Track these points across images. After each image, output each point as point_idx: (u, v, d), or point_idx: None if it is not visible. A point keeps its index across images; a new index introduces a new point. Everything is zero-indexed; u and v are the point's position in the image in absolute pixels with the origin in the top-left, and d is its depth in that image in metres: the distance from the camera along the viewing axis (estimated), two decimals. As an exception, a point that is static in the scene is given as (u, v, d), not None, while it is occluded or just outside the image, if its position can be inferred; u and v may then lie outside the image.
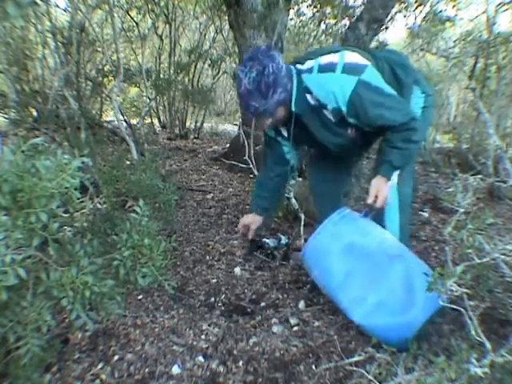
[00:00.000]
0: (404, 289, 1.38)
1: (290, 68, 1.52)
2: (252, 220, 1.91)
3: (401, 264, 1.41)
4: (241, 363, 1.35)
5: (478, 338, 1.00)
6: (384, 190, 1.51)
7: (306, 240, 2.27)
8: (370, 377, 1.04)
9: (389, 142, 1.50)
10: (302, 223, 2.26)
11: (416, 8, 4.44)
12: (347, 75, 1.44)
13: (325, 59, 1.49)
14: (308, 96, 1.52)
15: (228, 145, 4.88)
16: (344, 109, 1.47)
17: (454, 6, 4.63)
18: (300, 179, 2.72)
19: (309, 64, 1.51)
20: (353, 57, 1.49)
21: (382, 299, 1.38)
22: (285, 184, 2.04)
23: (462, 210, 1.22)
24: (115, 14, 2.99)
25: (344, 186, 2.01)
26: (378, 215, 1.59)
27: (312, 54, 1.59)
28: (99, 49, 4.08)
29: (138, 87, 5.03)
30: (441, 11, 4.33)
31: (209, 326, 1.55)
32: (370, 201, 1.51)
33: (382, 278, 1.40)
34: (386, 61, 1.60)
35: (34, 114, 3.32)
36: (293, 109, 1.54)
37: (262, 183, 1.92)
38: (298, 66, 1.54)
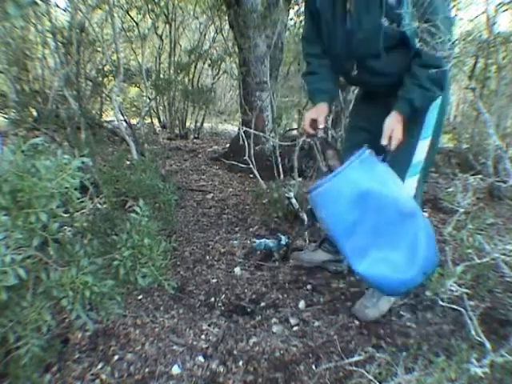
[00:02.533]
0: (409, 248, 1.37)
1: None
2: (318, 111, 1.66)
3: (412, 224, 1.38)
4: (241, 363, 1.35)
5: (477, 338, 1.00)
6: (399, 129, 1.41)
7: (308, 241, 2.28)
8: (370, 377, 1.04)
9: (414, 78, 1.38)
10: (305, 223, 2.27)
11: (416, 8, 4.44)
12: None
13: None
14: None
15: (228, 145, 4.88)
16: None
17: (454, 6, 4.63)
18: (300, 179, 2.73)
19: None
20: None
21: (387, 255, 1.37)
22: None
23: (462, 210, 1.22)
24: (115, 14, 3.00)
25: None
26: (399, 164, 1.51)
27: None
28: (99, 49, 4.08)
29: (138, 87, 5.02)
30: (441, 11, 4.33)
31: (209, 326, 1.55)
32: (384, 142, 1.42)
33: (391, 235, 1.39)
34: None
35: (34, 114, 3.32)
36: None
37: (314, 72, 1.70)
38: None
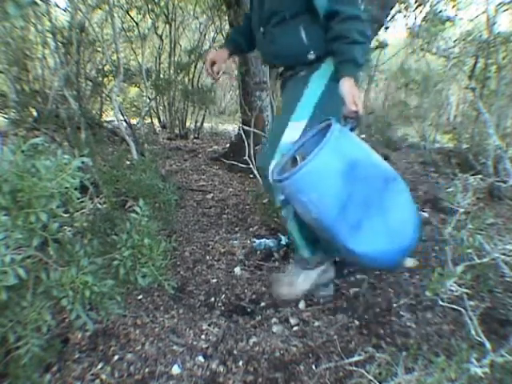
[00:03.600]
0: (399, 212, 1.34)
1: None
2: (217, 54, 1.78)
3: (397, 188, 1.36)
4: (241, 363, 1.35)
5: (478, 338, 1.00)
6: (357, 92, 1.37)
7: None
8: (370, 377, 1.04)
9: (345, 38, 1.35)
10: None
11: (416, 8, 4.44)
12: None
13: None
14: None
15: (228, 145, 4.88)
16: None
17: (453, 6, 4.62)
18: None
19: None
20: None
21: (379, 224, 1.31)
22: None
23: (461, 210, 1.22)
24: (115, 14, 2.99)
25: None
26: (270, 142, 1.51)
27: None
28: (99, 49, 4.08)
29: (138, 87, 5.02)
30: (441, 11, 4.33)
31: (209, 325, 1.55)
32: (353, 108, 1.34)
33: (380, 202, 1.32)
34: None
35: (34, 114, 3.32)
36: None
37: (236, 27, 1.96)
38: None
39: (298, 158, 1.43)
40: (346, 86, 1.36)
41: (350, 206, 1.28)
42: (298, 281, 1.62)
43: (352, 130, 1.38)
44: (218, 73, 1.80)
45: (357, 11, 1.34)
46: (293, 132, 1.47)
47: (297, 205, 1.36)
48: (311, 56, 1.48)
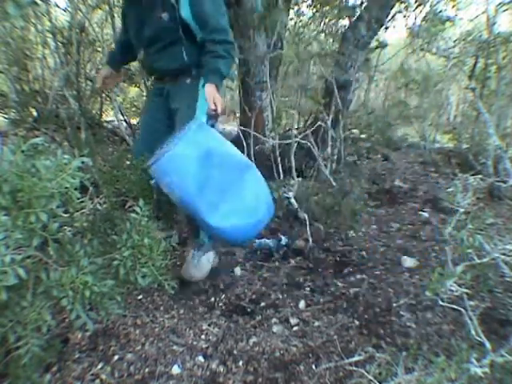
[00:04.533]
0: (252, 196, 1.63)
1: None
2: (104, 72, 2.06)
3: (251, 175, 1.65)
4: (241, 363, 1.35)
5: (478, 338, 1.00)
6: (219, 96, 1.71)
7: (306, 240, 2.29)
8: (370, 377, 1.04)
9: (212, 53, 1.68)
10: (308, 223, 2.27)
11: (416, 8, 4.43)
12: None
13: None
14: None
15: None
16: None
17: (453, 6, 4.62)
18: (300, 179, 2.73)
19: None
20: None
21: (234, 206, 1.57)
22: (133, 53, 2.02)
23: (462, 210, 1.22)
24: (115, 14, 2.99)
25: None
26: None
27: None
28: (99, 49, 4.07)
29: (138, 87, 5.01)
30: (441, 11, 4.33)
31: (209, 325, 1.55)
32: (213, 107, 1.67)
33: (235, 187, 1.59)
34: None
35: (34, 114, 3.32)
36: None
37: (117, 45, 2.09)
38: None
39: None
40: (211, 90, 1.68)
41: (208, 187, 1.54)
42: (203, 262, 1.88)
43: (213, 126, 1.72)
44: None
45: (224, 37, 1.68)
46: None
47: (163, 186, 1.58)
48: (193, 70, 1.79)
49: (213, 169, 1.56)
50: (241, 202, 1.60)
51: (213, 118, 1.71)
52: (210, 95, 1.68)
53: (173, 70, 1.81)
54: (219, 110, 1.70)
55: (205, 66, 1.72)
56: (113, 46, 3.30)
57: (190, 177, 1.52)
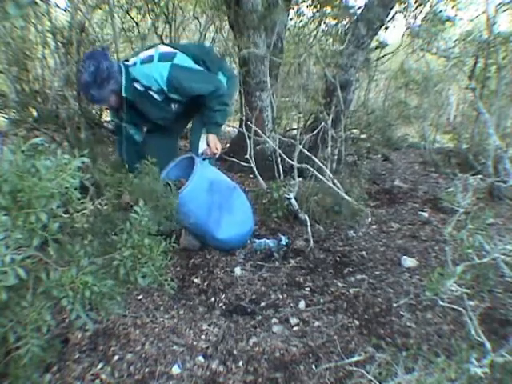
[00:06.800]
0: (242, 209, 2.18)
1: (120, 65, 1.95)
2: None
3: (236, 193, 2.18)
4: (241, 363, 1.35)
5: (478, 338, 1.00)
6: (219, 143, 2.19)
7: (306, 240, 2.29)
8: (370, 377, 1.04)
9: (210, 109, 2.06)
10: (309, 224, 2.27)
11: (416, 8, 4.44)
12: (163, 62, 1.93)
13: (144, 54, 1.98)
14: (136, 84, 1.97)
15: (228, 145, 4.88)
16: (165, 88, 1.95)
17: (453, 6, 4.63)
18: (300, 179, 2.73)
19: (133, 60, 1.98)
20: (165, 48, 2.02)
21: (231, 219, 2.07)
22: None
23: (462, 210, 1.22)
24: (115, 14, 2.99)
25: (175, 148, 2.49)
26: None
27: (135, 53, 2.06)
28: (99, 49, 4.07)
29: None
30: (441, 11, 4.33)
31: (209, 326, 1.55)
32: (214, 151, 2.18)
33: (229, 204, 2.08)
34: (193, 51, 2.08)
35: (34, 114, 3.32)
36: (124, 94, 1.97)
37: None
38: (126, 63, 1.98)
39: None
40: (212, 138, 2.16)
41: (213, 209, 2.03)
42: (195, 240, 2.23)
43: (208, 161, 2.26)
44: None
45: (215, 94, 2.01)
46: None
47: (181, 214, 1.87)
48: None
49: (214, 194, 2.04)
50: (234, 215, 2.08)
51: (209, 157, 2.23)
52: (212, 143, 2.15)
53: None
54: (218, 154, 2.21)
55: (205, 118, 2.11)
56: (113, 45, 3.30)
57: (202, 205, 2.00)
